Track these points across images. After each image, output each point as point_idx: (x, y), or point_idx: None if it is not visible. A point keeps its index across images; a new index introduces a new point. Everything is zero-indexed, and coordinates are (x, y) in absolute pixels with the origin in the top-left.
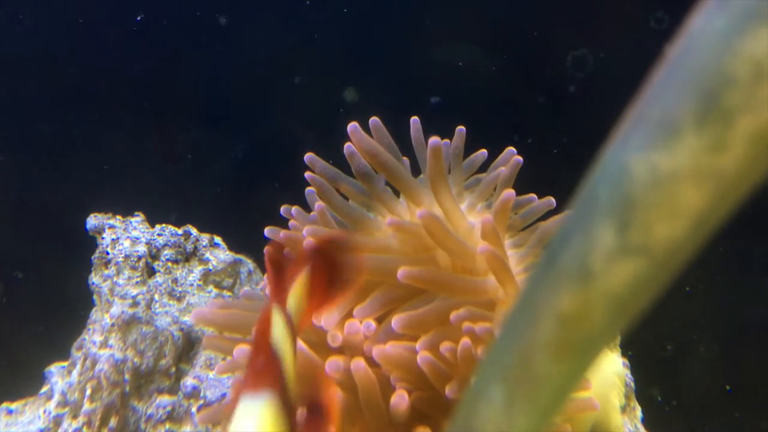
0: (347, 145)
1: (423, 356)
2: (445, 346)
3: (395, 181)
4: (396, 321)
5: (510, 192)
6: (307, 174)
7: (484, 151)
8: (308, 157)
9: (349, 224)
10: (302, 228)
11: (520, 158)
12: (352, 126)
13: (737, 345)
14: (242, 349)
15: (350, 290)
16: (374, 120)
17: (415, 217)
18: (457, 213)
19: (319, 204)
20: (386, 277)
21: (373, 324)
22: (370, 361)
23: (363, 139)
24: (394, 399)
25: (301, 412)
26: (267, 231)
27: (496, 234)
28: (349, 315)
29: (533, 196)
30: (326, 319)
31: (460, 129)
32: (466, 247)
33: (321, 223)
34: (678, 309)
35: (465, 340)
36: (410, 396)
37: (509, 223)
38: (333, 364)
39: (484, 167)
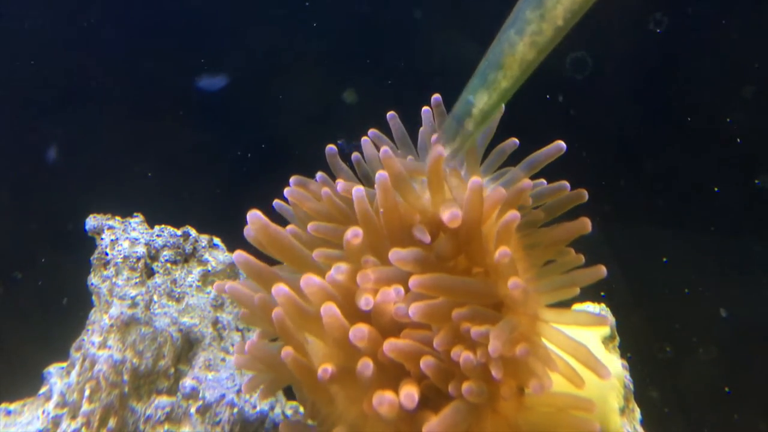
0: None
1: (426, 361)
2: (455, 352)
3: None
4: (413, 310)
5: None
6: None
7: (515, 140)
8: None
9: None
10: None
11: (563, 143)
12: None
13: (736, 346)
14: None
15: None
16: (391, 114)
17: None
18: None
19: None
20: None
21: (402, 290)
22: (395, 330)
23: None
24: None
25: None
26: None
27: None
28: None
29: (565, 183)
30: (361, 278)
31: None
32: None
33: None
34: (677, 310)
35: (466, 354)
36: (420, 384)
37: (532, 219)
38: (358, 331)
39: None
